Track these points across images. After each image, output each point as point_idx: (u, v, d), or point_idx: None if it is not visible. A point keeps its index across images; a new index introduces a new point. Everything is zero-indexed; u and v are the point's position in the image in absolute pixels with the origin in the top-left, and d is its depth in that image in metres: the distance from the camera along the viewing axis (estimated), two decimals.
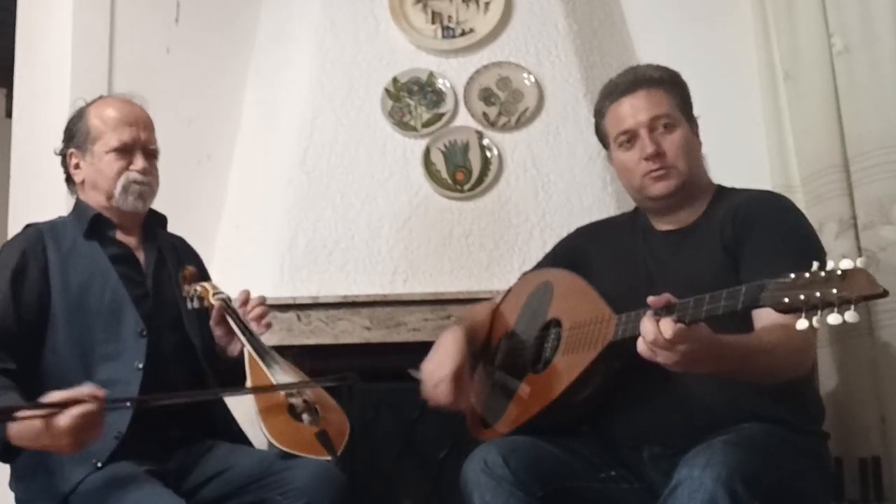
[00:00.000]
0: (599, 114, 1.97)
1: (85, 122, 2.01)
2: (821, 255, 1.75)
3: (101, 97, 2.08)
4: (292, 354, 2.42)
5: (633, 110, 1.87)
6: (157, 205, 2.09)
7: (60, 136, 2.05)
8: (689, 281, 1.72)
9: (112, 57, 2.88)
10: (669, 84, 1.90)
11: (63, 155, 2.04)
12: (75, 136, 2.02)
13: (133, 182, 1.97)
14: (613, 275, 1.90)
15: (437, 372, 1.86)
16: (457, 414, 1.96)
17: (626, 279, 1.86)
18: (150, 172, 2.00)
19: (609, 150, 1.98)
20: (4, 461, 1.69)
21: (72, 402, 1.51)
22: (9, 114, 3.16)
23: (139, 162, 1.97)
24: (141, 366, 1.85)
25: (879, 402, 2.31)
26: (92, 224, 1.96)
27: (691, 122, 1.90)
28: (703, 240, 1.82)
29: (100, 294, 1.89)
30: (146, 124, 2.02)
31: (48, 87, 2.87)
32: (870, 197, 2.34)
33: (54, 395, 1.53)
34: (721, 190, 1.92)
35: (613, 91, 1.93)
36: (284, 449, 1.78)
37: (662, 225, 1.92)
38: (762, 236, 1.74)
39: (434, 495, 2.64)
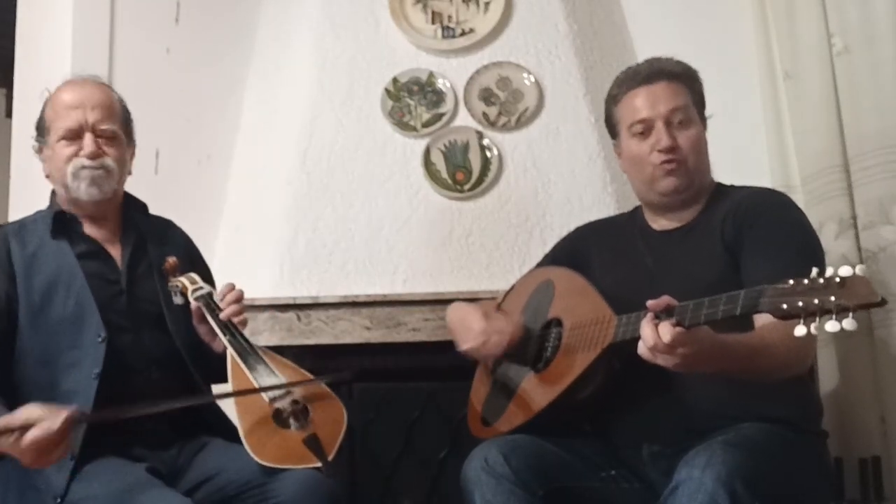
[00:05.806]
0: (613, 100, 1.93)
1: (44, 113, 1.89)
2: (819, 253, 1.76)
3: (64, 82, 1.93)
4: (292, 354, 2.41)
5: (652, 100, 1.84)
6: (158, 205, 2.06)
7: None
8: (690, 279, 1.73)
9: (112, 57, 2.88)
10: (688, 80, 1.88)
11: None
12: (39, 128, 1.91)
13: (81, 168, 1.83)
14: (614, 274, 1.90)
15: (476, 335, 1.91)
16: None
17: (627, 278, 1.86)
18: (103, 155, 1.84)
19: (618, 138, 1.94)
20: None
21: (30, 426, 1.49)
22: (9, 114, 3.16)
23: (87, 145, 1.82)
24: (96, 373, 1.72)
25: (879, 402, 2.31)
26: (56, 221, 1.84)
27: (703, 120, 1.89)
28: (703, 238, 1.82)
29: (64, 298, 1.78)
30: (95, 104, 1.85)
31: (48, 87, 2.86)
32: (870, 197, 2.35)
33: (16, 418, 1.51)
34: (719, 188, 1.91)
35: (632, 78, 1.89)
36: (268, 465, 1.65)
37: (661, 224, 1.92)
38: (762, 232, 1.74)
39: (434, 495, 2.63)
